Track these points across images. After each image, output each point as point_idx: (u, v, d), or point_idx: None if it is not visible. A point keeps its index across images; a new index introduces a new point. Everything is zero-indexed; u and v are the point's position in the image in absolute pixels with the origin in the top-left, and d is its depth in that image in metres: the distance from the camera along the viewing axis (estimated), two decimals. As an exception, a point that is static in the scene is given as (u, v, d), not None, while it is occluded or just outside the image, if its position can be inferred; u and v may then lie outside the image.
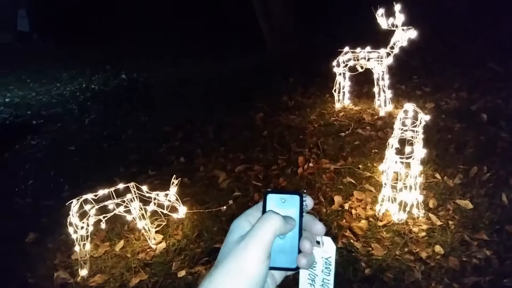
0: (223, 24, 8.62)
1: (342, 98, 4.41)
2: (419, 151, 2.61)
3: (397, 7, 3.55)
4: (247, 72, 6.44)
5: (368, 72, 4.16)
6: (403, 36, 3.71)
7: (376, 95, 4.16)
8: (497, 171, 2.99)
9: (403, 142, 2.71)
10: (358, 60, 4.04)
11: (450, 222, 2.61)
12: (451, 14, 6.80)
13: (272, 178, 3.38)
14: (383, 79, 4.01)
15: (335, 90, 4.34)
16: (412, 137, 2.66)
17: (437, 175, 3.02)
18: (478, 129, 3.57)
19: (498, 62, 4.89)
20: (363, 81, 4.64)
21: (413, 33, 3.64)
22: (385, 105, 4.12)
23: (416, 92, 4.58)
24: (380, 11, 3.65)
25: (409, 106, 2.65)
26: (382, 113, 4.08)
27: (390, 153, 2.59)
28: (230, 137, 4.28)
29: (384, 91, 4.07)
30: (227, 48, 7.83)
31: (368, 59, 3.96)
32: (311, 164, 3.39)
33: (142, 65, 7.86)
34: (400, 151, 2.57)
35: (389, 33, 3.81)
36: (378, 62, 3.92)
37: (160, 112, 5.39)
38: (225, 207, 3.09)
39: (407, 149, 2.58)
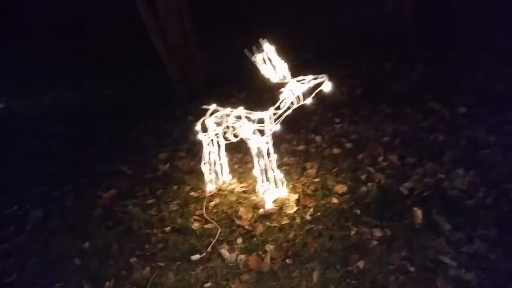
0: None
1: (221, 173, 2.96)
2: None
3: (266, 45, 2.17)
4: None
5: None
6: (300, 89, 2.32)
7: (259, 181, 2.65)
8: None
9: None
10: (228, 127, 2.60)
11: None
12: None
13: None
14: (268, 154, 2.57)
15: (205, 163, 2.87)
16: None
17: None
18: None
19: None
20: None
21: (327, 84, 2.25)
22: (276, 188, 2.69)
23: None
24: (259, 56, 2.25)
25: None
26: (269, 204, 2.62)
27: None
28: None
29: (272, 169, 2.63)
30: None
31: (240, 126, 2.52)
32: None
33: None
34: None
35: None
36: (254, 132, 2.49)
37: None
38: None
39: None
